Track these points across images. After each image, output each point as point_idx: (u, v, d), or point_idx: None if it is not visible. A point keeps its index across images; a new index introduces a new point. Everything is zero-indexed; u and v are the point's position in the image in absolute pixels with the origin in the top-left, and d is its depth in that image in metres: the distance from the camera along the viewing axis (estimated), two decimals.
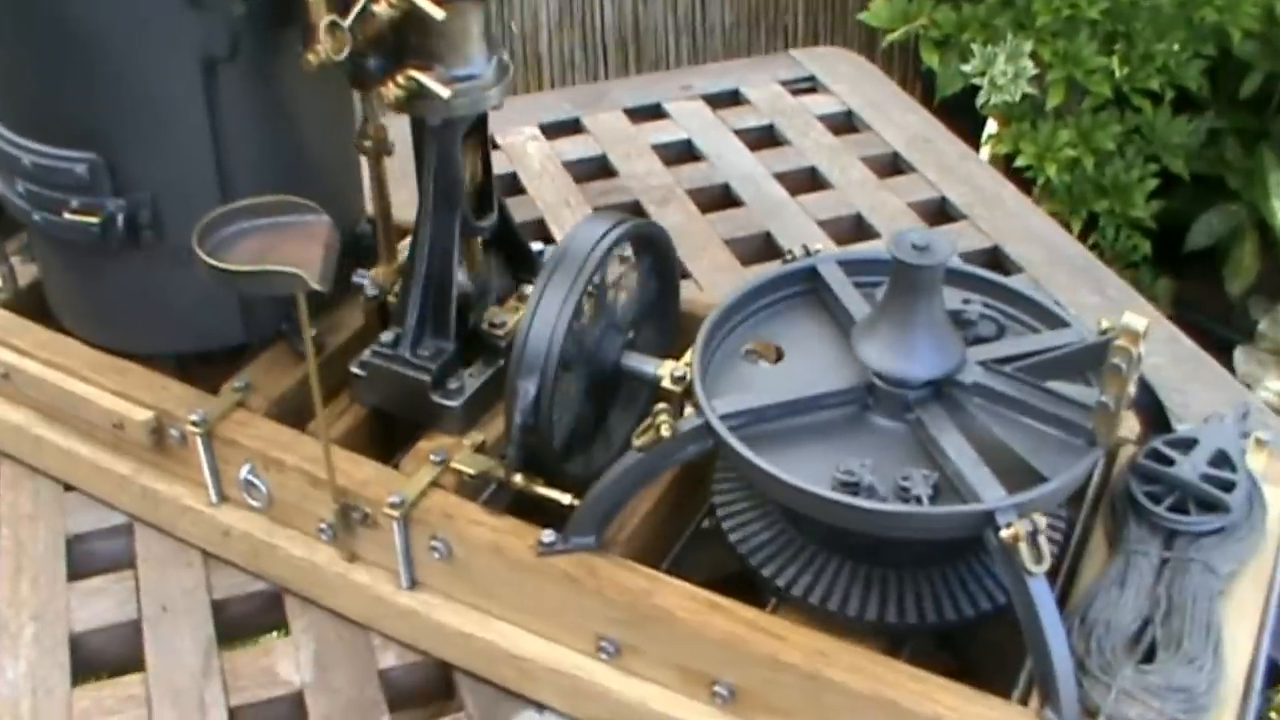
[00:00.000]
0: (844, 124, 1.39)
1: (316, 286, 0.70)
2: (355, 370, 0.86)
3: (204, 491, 0.89)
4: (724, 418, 0.71)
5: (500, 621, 0.80)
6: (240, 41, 0.80)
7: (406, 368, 0.84)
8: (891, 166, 1.33)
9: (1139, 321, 0.65)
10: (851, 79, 1.46)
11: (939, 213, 1.26)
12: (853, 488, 0.69)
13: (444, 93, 0.75)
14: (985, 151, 2.23)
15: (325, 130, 0.89)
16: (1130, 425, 0.82)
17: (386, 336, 0.85)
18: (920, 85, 2.53)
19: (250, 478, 0.86)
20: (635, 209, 1.25)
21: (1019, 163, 2.10)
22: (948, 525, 0.67)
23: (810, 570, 0.74)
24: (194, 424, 0.85)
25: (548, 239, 1.15)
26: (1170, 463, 0.77)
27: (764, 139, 1.36)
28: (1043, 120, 2.11)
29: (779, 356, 0.79)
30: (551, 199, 1.26)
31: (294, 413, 0.89)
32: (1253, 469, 0.78)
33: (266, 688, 0.83)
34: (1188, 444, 0.78)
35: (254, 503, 0.87)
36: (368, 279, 0.88)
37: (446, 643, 0.82)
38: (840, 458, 0.70)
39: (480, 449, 0.82)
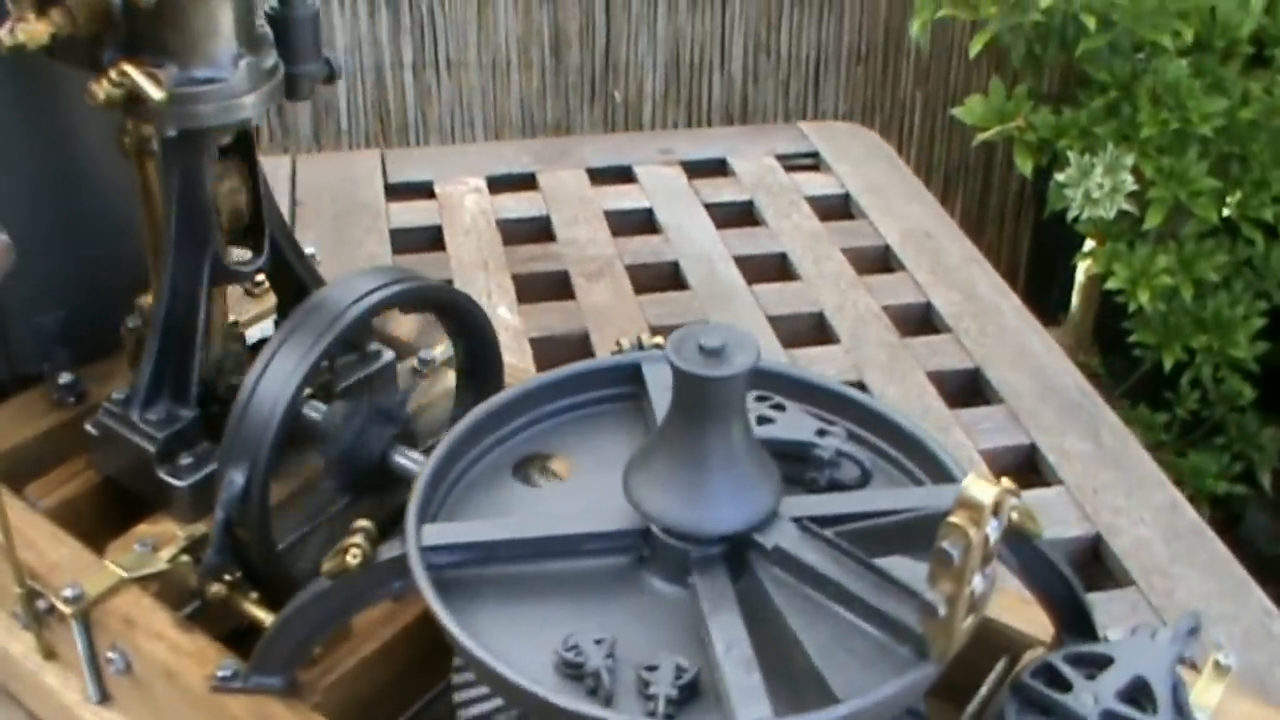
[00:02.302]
0: (836, 209, 1.21)
1: None
2: (89, 429, 0.70)
3: None
4: (431, 550, 0.53)
5: None
6: None
7: (133, 433, 0.67)
8: (879, 262, 1.14)
9: (984, 491, 0.46)
10: (858, 159, 1.28)
11: (920, 321, 1.07)
12: (574, 672, 0.50)
13: (155, 94, 0.58)
14: (1081, 270, 2.02)
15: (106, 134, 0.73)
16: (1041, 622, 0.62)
17: (118, 393, 0.68)
18: (1025, 196, 2.33)
19: None
20: (558, 280, 1.08)
21: (1110, 285, 1.88)
22: None
23: None
24: None
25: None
26: (1066, 687, 0.56)
27: (737, 217, 1.19)
28: (1141, 242, 1.89)
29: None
30: (468, 259, 1.09)
31: (27, 470, 0.73)
32: (1194, 710, 0.57)
33: None
34: (1098, 662, 0.57)
35: None
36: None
37: None
38: (583, 625, 0.52)
39: (200, 543, 0.65)
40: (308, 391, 0.67)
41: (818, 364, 0.99)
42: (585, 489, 0.59)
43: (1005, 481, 0.48)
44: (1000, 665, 0.62)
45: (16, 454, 0.73)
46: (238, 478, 0.60)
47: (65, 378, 0.75)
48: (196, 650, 0.61)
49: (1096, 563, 0.85)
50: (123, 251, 0.71)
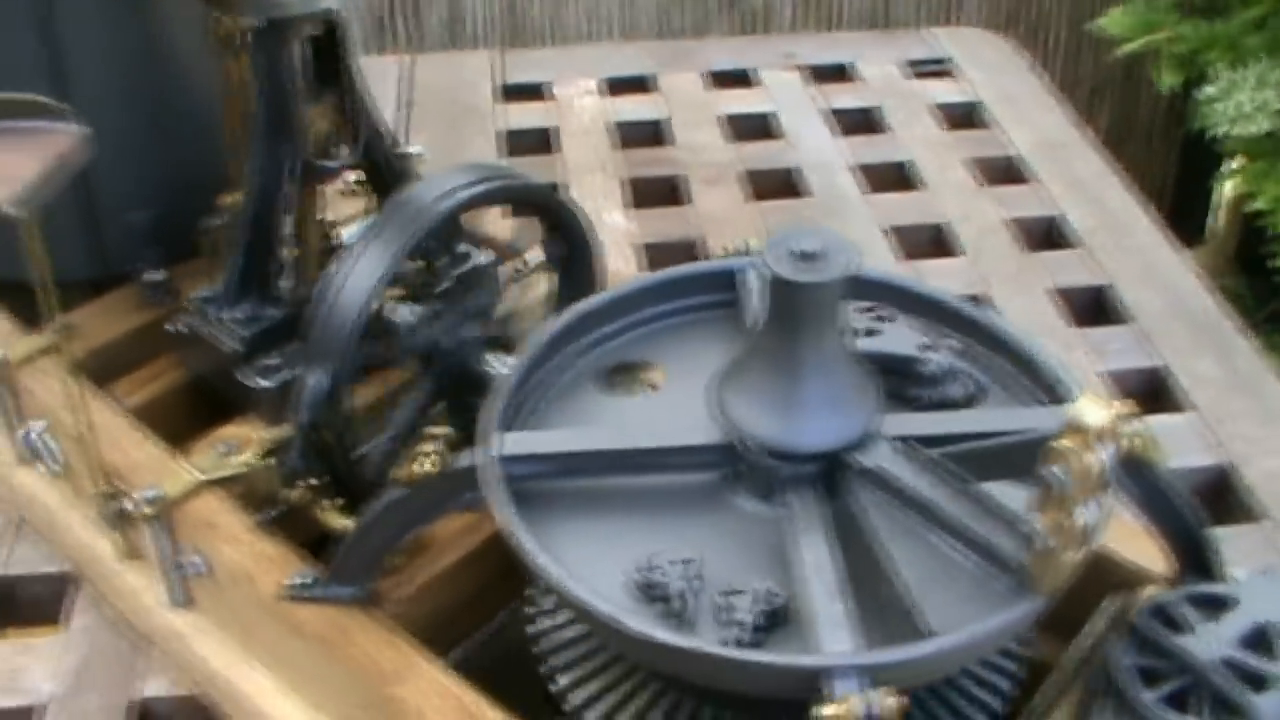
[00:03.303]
0: (965, 117, 1.15)
1: (4, 209, 0.52)
2: (173, 328, 0.69)
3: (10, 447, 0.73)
4: (508, 460, 0.51)
5: (263, 669, 0.62)
6: None
7: (218, 330, 0.66)
8: (1006, 173, 1.08)
9: (1095, 413, 0.42)
10: (992, 66, 1.22)
11: (1048, 235, 1.01)
12: (652, 593, 0.47)
13: None
14: (1224, 191, 1.93)
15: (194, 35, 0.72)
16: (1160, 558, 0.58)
17: (203, 292, 0.67)
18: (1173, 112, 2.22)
19: (39, 438, 0.70)
20: (673, 186, 1.04)
21: (1254, 206, 1.79)
22: (750, 679, 0.45)
23: (616, 692, 0.52)
24: None
25: None
26: (1183, 629, 0.53)
27: (860, 123, 1.14)
28: None
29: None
30: (581, 161, 1.06)
31: (117, 367, 0.72)
32: None
33: (5, 695, 0.67)
34: (1219, 604, 0.53)
35: (52, 467, 0.71)
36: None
37: (208, 681, 0.64)
38: (663, 544, 0.49)
39: (283, 447, 0.63)
40: (400, 293, 0.65)
41: (938, 276, 0.95)
42: (676, 400, 0.56)
43: (1121, 405, 0.44)
44: (1113, 601, 0.58)
45: (105, 351, 0.72)
46: (319, 379, 0.58)
47: (155, 276, 0.74)
48: (275, 556, 0.60)
49: (1225, 495, 0.80)
50: (213, 152, 0.70)
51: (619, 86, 1.18)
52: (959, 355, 0.58)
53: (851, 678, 0.43)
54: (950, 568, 0.48)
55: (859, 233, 0.98)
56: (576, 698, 0.52)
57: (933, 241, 1.00)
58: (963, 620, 0.45)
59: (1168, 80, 1.92)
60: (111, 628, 0.69)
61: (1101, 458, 0.43)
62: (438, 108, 1.14)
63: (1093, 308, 0.94)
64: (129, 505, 0.63)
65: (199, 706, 0.66)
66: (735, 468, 0.52)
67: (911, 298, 0.58)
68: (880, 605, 0.47)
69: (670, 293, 0.60)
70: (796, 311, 0.48)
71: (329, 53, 0.64)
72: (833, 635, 0.44)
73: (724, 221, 1.00)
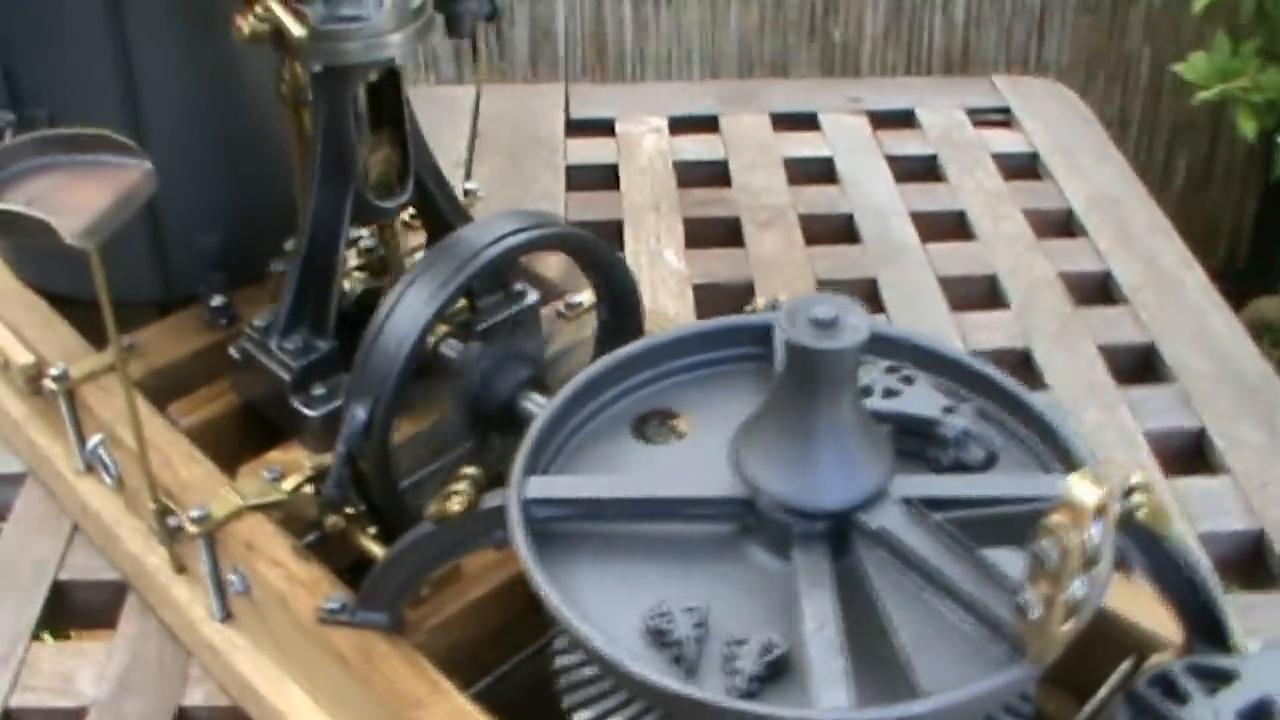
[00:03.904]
0: (1023, 168, 1.16)
1: (71, 241, 0.56)
2: (232, 353, 0.72)
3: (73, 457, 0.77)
4: (533, 503, 0.53)
5: (295, 688, 0.65)
6: None
7: (270, 360, 0.69)
8: (1061, 226, 1.09)
9: (1086, 491, 0.44)
10: (1051, 117, 1.22)
11: (1097, 290, 1.02)
12: (660, 639, 0.49)
13: (296, 30, 0.59)
14: None
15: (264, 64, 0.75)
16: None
17: (260, 320, 0.70)
18: (1255, 157, 2.20)
19: (100, 451, 0.73)
20: (729, 227, 1.06)
21: None
22: None
23: None
24: (54, 378, 0.73)
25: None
26: (1183, 700, 0.54)
27: (919, 171, 1.15)
28: None
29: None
30: (640, 200, 1.09)
31: (176, 387, 0.76)
32: None
33: (56, 695, 0.71)
34: (1222, 676, 0.54)
35: (108, 481, 0.74)
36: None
37: (245, 695, 0.67)
38: (678, 591, 0.51)
39: (326, 474, 0.66)
40: (446, 329, 0.68)
41: (984, 330, 0.96)
42: (701, 450, 0.58)
43: (1129, 473, 0.45)
44: (1125, 666, 0.59)
45: (166, 372, 0.75)
46: (360, 412, 0.61)
47: (218, 300, 0.77)
48: (310, 580, 0.62)
49: (1259, 561, 0.80)
50: (280, 180, 0.73)
51: (684, 125, 1.20)
52: (979, 417, 0.59)
53: None
54: (948, 631, 0.49)
55: (914, 279, 1.00)
56: None
57: (985, 293, 1.01)
58: (956, 682, 0.46)
59: (1246, 128, 1.91)
60: (158, 637, 0.72)
61: (1092, 534, 0.44)
62: (506, 139, 1.17)
63: (1138, 366, 0.94)
64: (177, 522, 0.66)
65: (237, 718, 0.68)
66: (750, 521, 0.53)
67: (930, 357, 0.59)
68: (879, 662, 0.48)
69: (704, 345, 0.62)
70: (812, 375, 0.50)
71: (387, 96, 0.67)
72: (829, 690, 0.46)
73: (777, 264, 1.01)
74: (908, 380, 0.59)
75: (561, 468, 0.57)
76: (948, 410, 0.58)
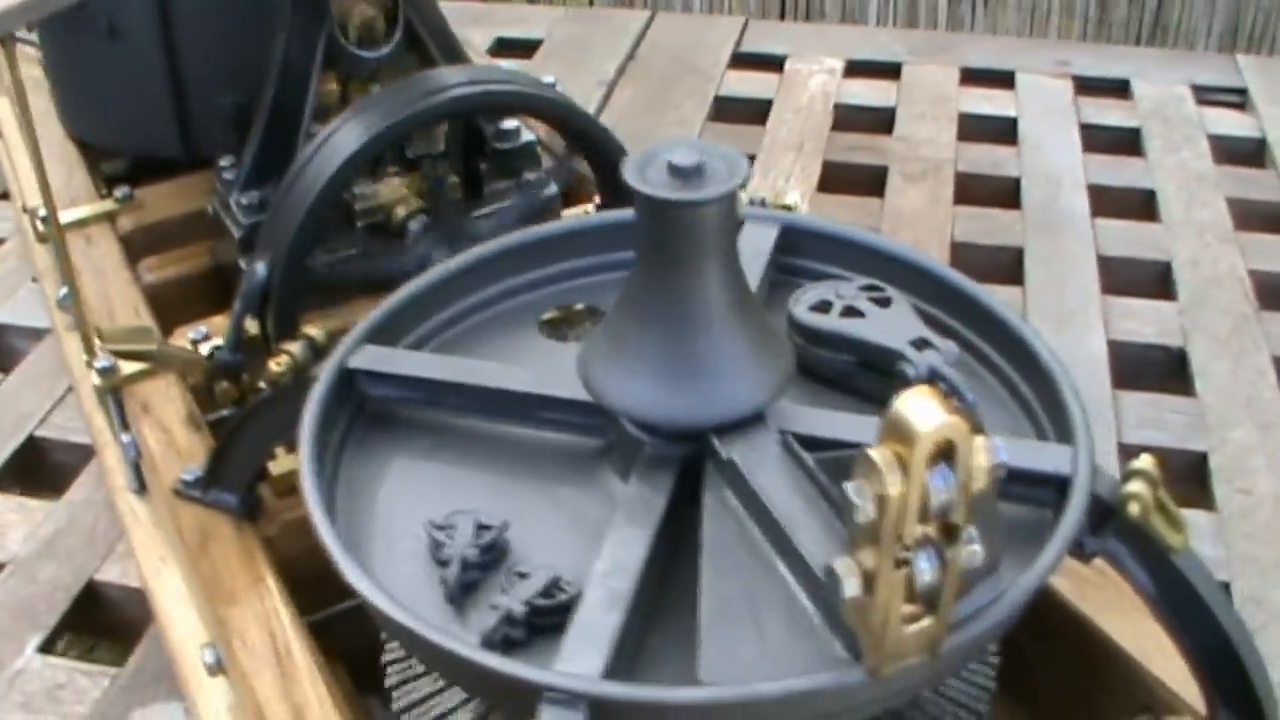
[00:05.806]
0: (1245, 153, 0.98)
1: None
2: (208, 209, 0.66)
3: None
4: (369, 376, 0.44)
5: (177, 570, 0.58)
6: None
7: (228, 216, 0.62)
8: (1269, 220, 0.91)
9: (924, 411, 0.31)
10: None
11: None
12: (435, 554, 0.40)
13: None
14: None
15: None
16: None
17: (228, 173, 0.64)
18: None
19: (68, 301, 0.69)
20: (873, 176, 0.94)
21: None
22: (466, 678, 0.37)
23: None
24: (41, 219, 0.69)
25: None
26: None
27: (1116, 143, 0.99)
28: None
29: None
30: (783, 137, 0.98)
31: (164, 246, 0.71)
32: None
33: None
34: None
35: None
36: None
37: (146, 571, 0.61)
38: (493, 506, 0.41)
39: None
40: (419, 204, 0.60)
41: (1133, 319, 0.81)
42: None
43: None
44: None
45: (157, 228, 0.71)
46: (260, 267, 0.53)
47: (227, 161, 0.71)
48: (190, 450, 0.55)
49: None
50: None
51: (861, 70, 1.07)
52: (970, 362, 0.47)
53: (566, 706, 0.34)
54: (779, 607, 0.37)
55: (1068, 255, 0.85)
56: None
57: (1152, 280, 0.85)
58: (749, 676, 0.35)
59: None
60: (99, 507, 0.67)
61: (935, 484, 0.31)
62: (661, 66, 1.08)
63: None
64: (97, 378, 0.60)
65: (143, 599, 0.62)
66: (612, 437, 0.43)
67: (900, 269, 0.48)
68: (681, 630, 0.37)
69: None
70: (667, 243, 0.39)
71: None
72: (580, 650, 0.35)
73: (910, 220, 0.89)
74: (882, 303, 0.47)
75: (447, 349, 0.48)
76: (920, 344, 0.46)
